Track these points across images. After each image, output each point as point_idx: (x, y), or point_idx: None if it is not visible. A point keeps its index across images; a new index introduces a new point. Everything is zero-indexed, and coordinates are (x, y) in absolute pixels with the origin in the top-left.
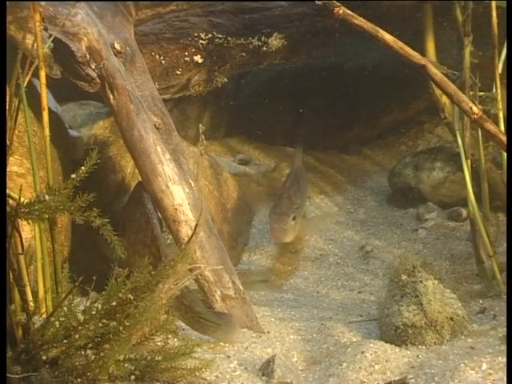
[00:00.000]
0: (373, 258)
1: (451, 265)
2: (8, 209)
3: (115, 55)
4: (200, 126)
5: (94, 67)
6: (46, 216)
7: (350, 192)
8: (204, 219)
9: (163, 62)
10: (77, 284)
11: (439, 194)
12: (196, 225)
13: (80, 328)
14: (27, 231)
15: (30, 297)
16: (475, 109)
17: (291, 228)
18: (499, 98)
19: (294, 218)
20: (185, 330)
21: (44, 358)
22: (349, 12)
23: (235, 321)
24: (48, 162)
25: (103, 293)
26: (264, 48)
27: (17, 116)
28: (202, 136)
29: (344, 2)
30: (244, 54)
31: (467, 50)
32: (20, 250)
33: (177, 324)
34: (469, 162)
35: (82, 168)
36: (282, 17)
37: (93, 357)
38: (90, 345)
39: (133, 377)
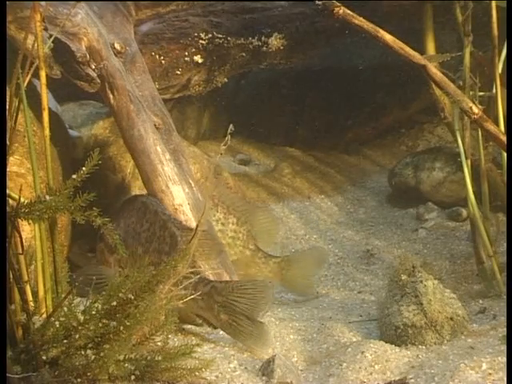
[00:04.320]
0: (373, 258)
1: (451, 265)
2: (8, 209)
3: (115, 55)
4: (230, 126)
5: (93, 67)
6: (47, 216)
7: (350, 192)
8: (205, 220)
9: (163, 62)
10: (77, 284)
11: (439, 193)
12: (197, 225)
13: (80, 328)
14: (27, 231)
15: (30, 297)
16: (475, 109)
17: None
18: (499, 97)
19: None
20: (185, 330)
21: (44, 358)
22: (349, 12)
23: (269, 332)
24: (48, 162)
25: (103, 293)
26: (264, 48)
27: (17, 116)
28: (229, 136)
29: (344, 2)
30: (244, 54)
31: (467, 50)
32: (20, 250)
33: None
34: (469, 162)
35: (83, 169)
36: (281, 17)
37: (93, 357)
38: (90, 345)
39: (133, 377)
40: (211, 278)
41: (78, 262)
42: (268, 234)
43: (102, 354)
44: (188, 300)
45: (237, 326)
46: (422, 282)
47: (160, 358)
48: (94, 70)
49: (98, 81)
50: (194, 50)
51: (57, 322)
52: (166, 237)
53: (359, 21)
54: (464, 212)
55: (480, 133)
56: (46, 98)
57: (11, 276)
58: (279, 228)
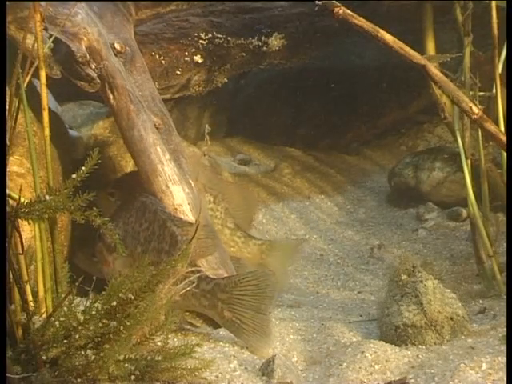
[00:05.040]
0: (373, 258)
1: (451, 265)
2: (8, 209)
3: (115, 55)
4: (206, 126)
5: (94, 67)
6: (47, 216)
7: (350, 192)
8: (204, 219)
9: (163, 61)
10: (77, 284)
11: (439, 193)
12: (197, 225)
13: (80, 328)
14: (27, 231)
15: (30, 297)
16: (475, 109)
17: None
18: (499, 97)
19: None
20: (185, 330)
21: (44, 358)
22: (349, 12)
23: (272, 331)
24: (48, 162)
25: (103, 293)
26: (264, 48)
27: (17, 116)
28: (207, 136)
29: (344, 2)
30: (244, 53)
31: (467, 50)
32: (20, 250)
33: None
34: (469, 162)
35: (83, 168)
36: (282, 17)
37: (93, 357)
38: (90, 345)
39: (133, 377)
40: (212, 275)
41: (85, 267)
42: (246, 212)
43: (102, 354)
44: (191, 299)
45: (240, 324)
46: (421, 281)
47: (160, 358)
48: (93, 69)
49: (98, 81)
50: (194, 49)
51: (57, 322)
52: (166, 236)
53: (359, 21)
54: (464, 212)
55: (480, 133)
56: (46, 97)
57: (11, 276)
58: (257, 205)
